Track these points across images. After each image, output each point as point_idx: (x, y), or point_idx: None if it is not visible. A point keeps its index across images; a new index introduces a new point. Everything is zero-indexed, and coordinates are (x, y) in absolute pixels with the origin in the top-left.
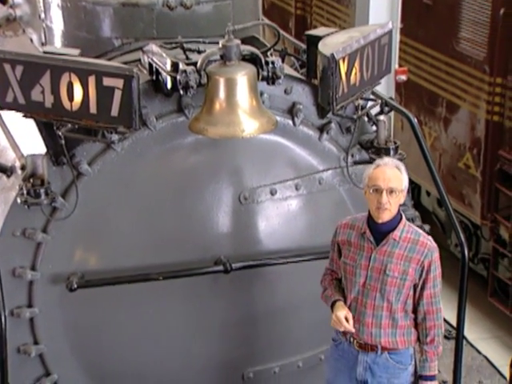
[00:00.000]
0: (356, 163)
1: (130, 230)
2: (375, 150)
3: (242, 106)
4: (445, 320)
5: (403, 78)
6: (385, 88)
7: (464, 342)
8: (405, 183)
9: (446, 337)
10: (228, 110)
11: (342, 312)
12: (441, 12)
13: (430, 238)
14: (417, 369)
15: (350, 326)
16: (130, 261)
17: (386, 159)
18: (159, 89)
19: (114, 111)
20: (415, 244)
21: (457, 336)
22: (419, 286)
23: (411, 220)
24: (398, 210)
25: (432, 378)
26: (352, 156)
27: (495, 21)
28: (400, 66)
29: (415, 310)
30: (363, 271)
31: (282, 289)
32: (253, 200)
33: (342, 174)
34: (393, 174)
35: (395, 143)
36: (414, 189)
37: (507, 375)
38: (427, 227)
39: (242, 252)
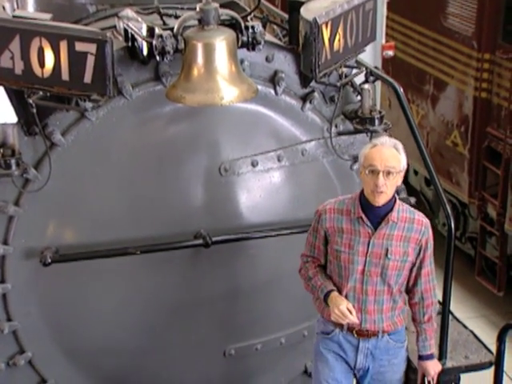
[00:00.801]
0: (340, 134)
1: (106, 202)
2: (359, 119)
3: (221, 73)
4: None
5: (390, 53)
6: (371, 64)
7: (450, 317)
8: (403, 164)
9: None
10: (206, 76)
11: (343, 304)
12: None
13: (421, 214)
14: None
15: (354, 318)
16: (106, 234)
17: (384, 138)
18: (135, 56)
19: (87, 78)
20: (412, 223)
21: (443, 310)
22: (416, 266)
23: (396, 193)
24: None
25: (432, 356)
26: (336, 126)
27: None
28: (387, 41)
29: (410, 290)
30: (361, 258)
31: (264, 264)
32: (233, 172)
33: (325, 146)
34: (390, 154)
35: (380, 113)
36: None
37: (494, 350)
38: (413, 200)
39: (222, 226)
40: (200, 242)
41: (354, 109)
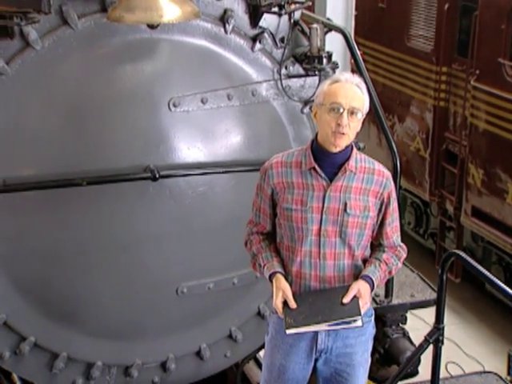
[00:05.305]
0: (290, 77)
1: (52, 135)
2: (308, 59)
3: None
4: None
5: None
6: None
7: None
8: (366, 106)
9: None
10: None
11: (279, 297)
12: (394, 13)
13: (382, 165)
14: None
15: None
16: (53, 166)
17: (347, 74)
18: None
19: None
20: (372, 174)
21: None
22: (378, 223)
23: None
24: None
25: (370, 279)
26: (286, 68)
27: (441, 15)
28: None
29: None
30: (316, 215)
31: (214, 202)
32: (183, 108)
33: (275, 87)
34: (355, 93)
35: (328, 52)
36: None
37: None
38: (362, 144)
39: (171, 162)
40: (148, 175)
41: (304, 51)
